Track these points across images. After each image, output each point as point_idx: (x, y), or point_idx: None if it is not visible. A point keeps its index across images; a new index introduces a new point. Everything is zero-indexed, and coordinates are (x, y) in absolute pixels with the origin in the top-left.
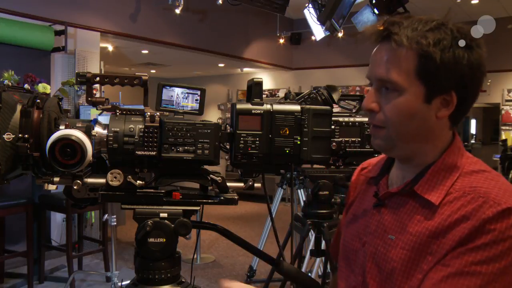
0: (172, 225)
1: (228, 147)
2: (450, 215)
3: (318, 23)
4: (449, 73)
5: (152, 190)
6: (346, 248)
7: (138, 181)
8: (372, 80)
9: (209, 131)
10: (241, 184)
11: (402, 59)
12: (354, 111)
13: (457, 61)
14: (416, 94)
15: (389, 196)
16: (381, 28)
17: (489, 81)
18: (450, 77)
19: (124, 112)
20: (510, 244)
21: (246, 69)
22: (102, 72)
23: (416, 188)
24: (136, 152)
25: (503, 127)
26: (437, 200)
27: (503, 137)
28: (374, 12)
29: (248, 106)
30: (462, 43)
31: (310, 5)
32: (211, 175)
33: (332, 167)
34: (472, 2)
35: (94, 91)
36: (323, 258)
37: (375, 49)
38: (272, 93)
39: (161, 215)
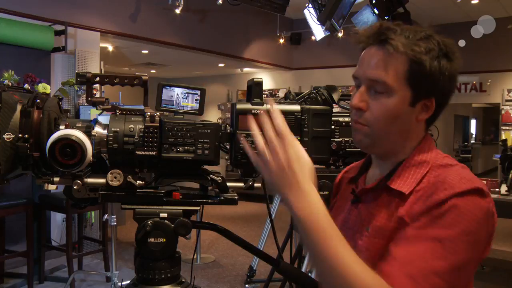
0: (172, 225)
1: (228, 147)
2: (414, 201)
3: (318, 23)
4: (434, 80)
5: (152, 190)
6: None
7: (138, 181)
8: (362, 80)
9: (209, 131)
10: (241, 184)
11: (395, 63)
12: None
13: (442, 71)
14: (404, 97)
15: (365, 192)
16: (375, 30)
17: (489, 81)
18: (434, 84)
19: (124, 112)
20: (458, 215)
21: (246, 69)
22: (102, 72)
23: (389, 182)
24: (136, 152)
25: (503, 127)
26: (407, 190)
27: (503, 137)
28: (374, 12)
29: (248, 106)
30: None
31: (310, 5)
32: (211, 175)
33: (332, 167)
34: (472, 2)
35: (94, 91)
36: None
37: (365, 51)
38: (272, 93)
39: (161, 215)
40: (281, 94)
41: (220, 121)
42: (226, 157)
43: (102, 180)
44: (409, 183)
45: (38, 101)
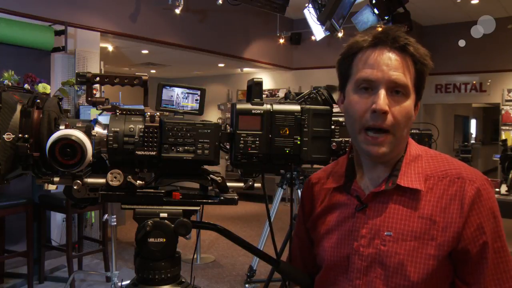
0: (172, 225)
1: (228, 147)
2: (439, 200)
3: (318, 23)
4: (424, 82)
5: (152, 190)
6: (333, 257)
7: (138, 181)
8: (382, 82)
9: (209, 131)
10: (241, 184)
11: (409, 66)
12: None
13: (427, 73)
14: (413, 100)
15: (372, 197)
16: (394, 36)
17: (489, 81)
18: (423, 86)
19: (124, 112)
20: (491, 202)
21: (246, 69)
22: (102, 72)
23: (399, 181)
24: (136, 152)
25: (503, 127)
26: (421, 186)
27: (503, 137)
28: (374, 12)
29: (248, 106)
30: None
31: (310, 5)
32: (211, 175)
33: None
34: (472, 2)
35: (94, 91)
36: None
37: (379, 53)
38: (272, 93)
39: (161, 215)
40: (281, 94)
41: (220, 121)
42: (226, 157)
43: (102, 180)
44: (416, 179)
45: (38, 101)
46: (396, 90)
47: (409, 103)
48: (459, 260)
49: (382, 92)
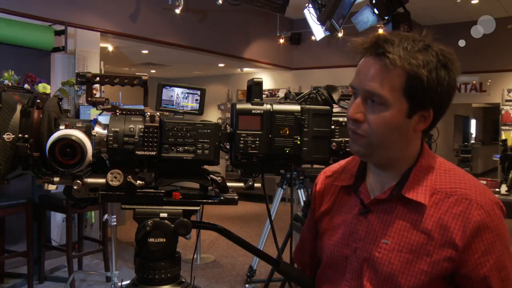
0: (172, 225)
1: (228, 147)
2: (441, 217)
3: (318, 23)
4: (431, 93)
5: (152, 190)
6: (333, 255)
7: (138, 181)
8: (359, 91)
9: (209, 131)
10: (241, 184)
11: (392, 76)
12: None
13: (439, 83)
14: (400, 110)
15: (375, 202)
16: (373, 42)
17: (489, 81)
18: (432, 96)
19: (124, 112)
20: (499, 228)
21: (246, 69)
22: (102, 72)
23: (404, 192)
24: (136, 152)
25: (503, 127)
26: (425, 200)
27: (503, 137)
28: (374, 12)
29: (248, 106)
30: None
31: (310, 5)
32: (211, 175)
33: None
34: (472, 2)
35: (94, 91)
36: None
37: (363, 61)
38: (272, 93)
39: (161, 215)
40: (281, 94)
41: (220, 121)
42: (226, 157)
43: (102, 180)
44: (422, 192)
45: (38, 101)
46: (372, 99)
47: (389, 114)
48: (461, 285)
49: (357, 100)
